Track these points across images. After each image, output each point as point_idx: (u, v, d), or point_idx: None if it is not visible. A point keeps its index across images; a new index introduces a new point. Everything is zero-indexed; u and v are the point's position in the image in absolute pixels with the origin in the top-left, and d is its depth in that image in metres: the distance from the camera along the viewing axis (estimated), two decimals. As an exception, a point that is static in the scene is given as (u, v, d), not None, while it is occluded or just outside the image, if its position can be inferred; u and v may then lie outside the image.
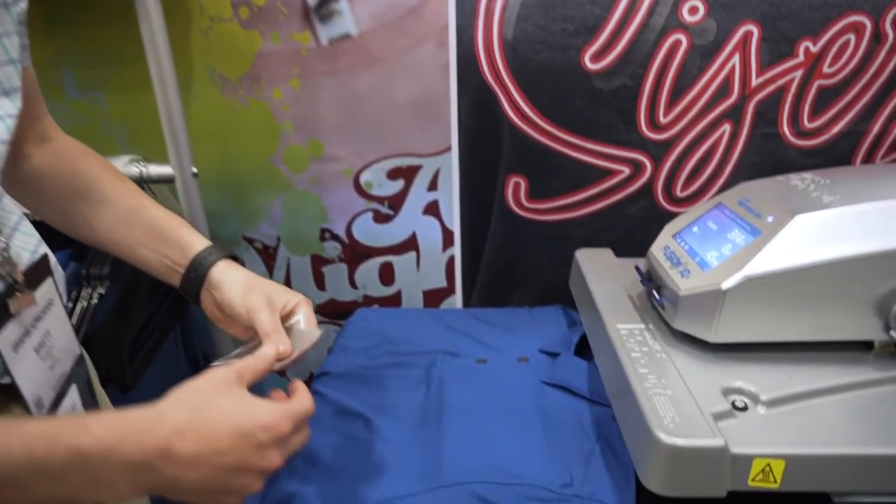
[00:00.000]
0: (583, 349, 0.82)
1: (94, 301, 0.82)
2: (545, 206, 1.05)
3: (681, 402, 0.56)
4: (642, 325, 0.69)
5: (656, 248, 0.74)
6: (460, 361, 0.80)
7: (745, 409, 0.57)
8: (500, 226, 1.08)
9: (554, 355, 0.80)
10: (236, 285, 0.59)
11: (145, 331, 0.91)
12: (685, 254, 0.69)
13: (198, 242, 0.62)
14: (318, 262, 1.19)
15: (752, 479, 0.52)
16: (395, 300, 1.20)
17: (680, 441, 0.51)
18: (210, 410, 0.46)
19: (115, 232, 0.62)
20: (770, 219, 0.63)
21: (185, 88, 1.00)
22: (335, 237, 1.16)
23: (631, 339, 0.66)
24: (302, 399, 0.52)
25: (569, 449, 0.64)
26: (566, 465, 0.62)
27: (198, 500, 0.46)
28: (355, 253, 1.17)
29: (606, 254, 0.91)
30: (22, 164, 0.61)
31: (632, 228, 1.05)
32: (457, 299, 1.16)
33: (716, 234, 0.68)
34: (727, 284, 0.60)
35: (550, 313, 0.94)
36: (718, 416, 0.55)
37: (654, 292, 0.69)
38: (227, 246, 0.63)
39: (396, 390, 0.76)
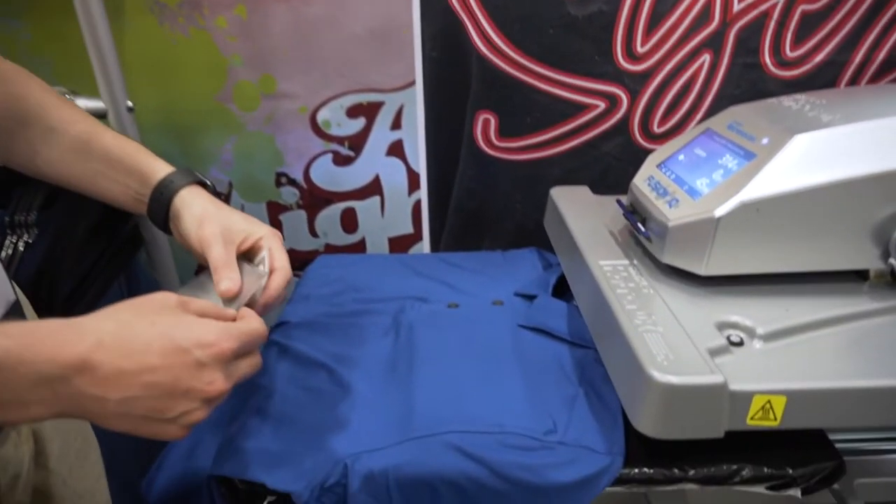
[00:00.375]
0: (560, 292, 0.77)
1: (21, 249, 0.73)
2: (516, 144, 0.99)
3: (673, 339, 0.51)
4: (626, 261, 0.64)
5: (639, 180, 0.69)
6: (430, 307, 0.75)
7: (740, 344, 0.53)
8: (469, 166, 1.02)
9: (530, 298, 0.75)
10: (193, 215, 0.54)
11: (84, 283, 0.82)
12: (672, 183, 0.64)
13: (160, 169, 0.56)
14: (275, 210, 1.11)
15: (752, 418, 0.48)
16: (358, 248, 1.14)
17: (675, 379, 0.47)
18: (140, 323, 0.40)
19: (69, 163, 0.56)
20: (765, 141, 0.58)
21: (116, 15, 0.90)
22: (292, 182, 1.08)
23: (615, 275, 0.62)
24: (249, 321, 0.46)
25: (550, 394, 0.60)
26: (548, 412, 0.57)
27: (132, 428, 0.40)
28: (314, 198, 1.09)
29: (583, 191, 0.86)
30: None
31: (607, 167, 1.00)
32: (424, 246, 1.10)
33: (705, 160, 0.63)
34: (720, 212, 0.55)
35: (525, 256, 0.89)
36: (714, 353, 0.50)
37: (640, 225, 0.64)
38: (193, 171, 0.57)
39: (362, 339, 0.70)
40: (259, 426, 0.58)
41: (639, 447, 0.54)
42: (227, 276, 0.50)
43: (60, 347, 0.37)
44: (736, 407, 0.48)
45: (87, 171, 0.57)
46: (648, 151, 0.95)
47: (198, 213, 0.54)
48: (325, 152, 1.06)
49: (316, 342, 0.69)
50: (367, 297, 0.78)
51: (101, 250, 0.89)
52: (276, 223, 1.12)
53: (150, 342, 0.40)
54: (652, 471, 0.53)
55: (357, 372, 0.64)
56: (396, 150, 1.05)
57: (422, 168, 1.05)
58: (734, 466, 0.53)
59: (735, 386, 0.47)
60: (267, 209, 1.11)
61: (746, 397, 0.48)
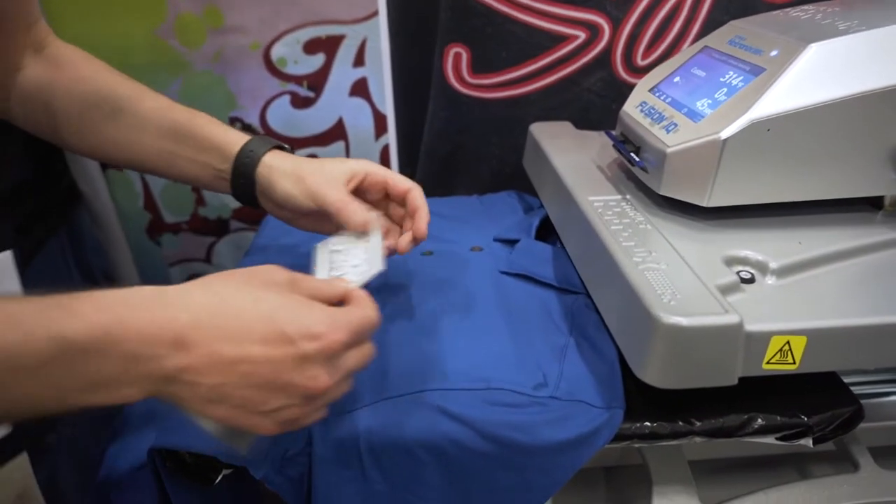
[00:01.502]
0: (543, 236, 0.70)
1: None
2: (491, 80, 0.91)
3: (679, 277, 0.45)
4: (618, 196, 0.58)
5: (630, 107, 0.62)
6: (402, 256, 0.68)
7: (751, 280, 0.47)
8: (440, 106, 0.94)
9: (511, 243, 0.68)
10: (287, 175, 0.53)
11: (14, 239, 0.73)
12: (668, 107, 0.57)
13: (235, 140, 0.54)
14: (230, 160, 1.02)
15: (768, 361, 0.43)
16: (323, 199, 1.06)
17: (685, 321, 0.41)
18: (242, 300, 0.37)
19: (142, 143, 0.55)
20: (774, 53, 0.52)
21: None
22: (248, 128, 0.99)
23: (607, 211, 0.55)
24: (363, 306, 0.41)
25: (538, 345, 0.54)
26: (537, 364, 0.51)
27: (222, 416, 0.36)
28: (273, 146, 1.00)
29: (565, 126, 0.79)
30: (16, 79, 0.54)
31: (588, 104, 0.93)
32: (394, 195, 1.02)
33: (705, 80, 0.57)
34: (727, 133, 0.49)
35: (503, 199, 0.82)
36: (724, 291, 0.45)
37: (633, 155, 0.57)
38: (268, 136, 0.56)
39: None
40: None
41: (637, 400, 0.48)
42: (354, 210, 0.51)
43: (154, 324, 0.34)
44: (751, 350, 0.42)
45: (162, 152, 0.55)
46: (632, 87, 0.88)
47: (291, 170, 0.53)
48: (282, 93, 0.96)
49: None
50: (332, 248, 0.71)
51: (31, 208, 0.79)
52: (231, 174, 1.03)
53: (251, 326, 0.36)
54: (655, 424, 0.47)
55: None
56: (360, 89, 0.96)
57: (389, 109, 0.96)
58: (745, 416, 0.48)
59: (751, 326, 0.42)
60: (221, 159, 1.01)
61: (763, 338, 0.42)
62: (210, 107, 0.96)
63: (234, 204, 1.05)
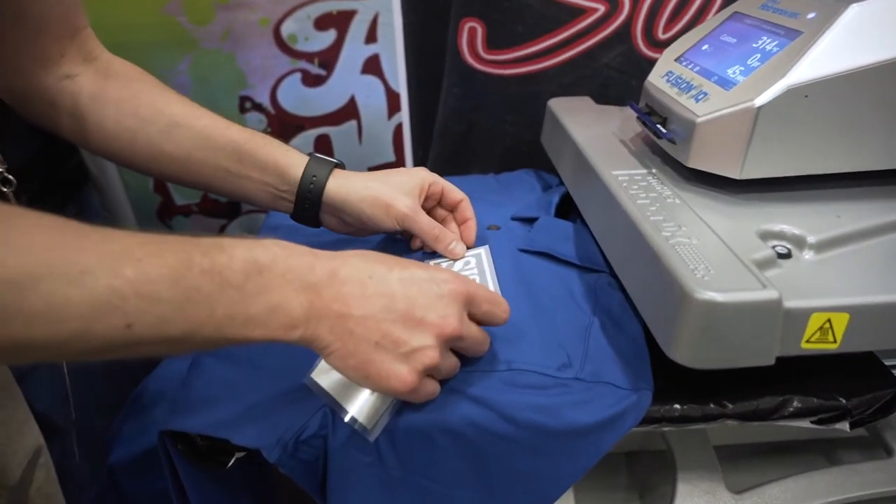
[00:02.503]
0: (562, 215, 0.68)
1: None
2: (507, 56, 0.89)
3: (711, 251, 0.43)
4: (644, 171, 0.56)
5: (655, 77, 0.59)
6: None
7: (788, 255, 0.45)
8: (454, 83, 0.91)
9: (530, 221, 0.66)
10: (364, 200, 0.56)
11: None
12: (697, 75, 0.54)
13: (294, 162, 0.56)
14: (240, 140, 1.00)
15: (808, 340, 0.41)
16: (335, 181, 1.04)
17: (721, 297, 0.38)
18: (376, 264, 0.42)
19: (198, 160, 0.55)
20: (811, 15, 0.49)
21: None
22: (258, 107, 0.97)
23: (633, 185, 0.53)
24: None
25: (561, 324, 0.51)
26: (560, 344, 0.49)
27: (363, 359, 0.39)
28: (284, 125, 0.98)
29: (585, 101, 0.76)
30: (67, 88, 0.53)
31: (607, 81, 0.90)
32: (407, 176, 1.00)
33: (736, 46, 0.54)
34: (761, 100, 0.46)
35: (521, 177, 0.80)
36: (760, 266, 0.42)
37: (659, 127, 0.54)
38: (324, 157, 0.57)
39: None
40: (221, 371, 0.49)
41: (665, 381, 0.46)
42: (450, 241, 0.58)
43: (316, 258, 0.39)
44: (790, 328, 0.40)
45: (219, 170, 0.55)
46: (652, 62, 0.85)
47: (365, 193, 0.56)
48: (292, 71, 0.94)
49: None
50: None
51: (38, 186, 0.78)
52: (242, 155, 1.01)
53: (387, 273, 0.41)
54: (685, 407, 0.45)
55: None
56: (373, 66, 0.93)
57: (402, 87, 0.94)
58: (780, 398, 0.45)
59: (790, 303, 0.39)
60: (231, 140, 1.00)
61: (803, 316, 0.40)
62: (219, 85, 0.95)
63: (245, 186, 1.04)
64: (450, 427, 0.44)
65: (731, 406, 0.45)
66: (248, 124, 0.98)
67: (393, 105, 0.96)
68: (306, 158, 0.56)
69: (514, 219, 0.68)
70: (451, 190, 0.60)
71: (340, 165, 0.58)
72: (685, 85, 0.54)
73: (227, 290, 0.35)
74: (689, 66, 0.57)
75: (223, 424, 0.44)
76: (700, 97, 0.51)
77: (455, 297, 0.41)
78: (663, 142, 0.55)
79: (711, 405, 0.45)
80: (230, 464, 0.47)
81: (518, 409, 0.44)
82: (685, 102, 0.52)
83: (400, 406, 0.44)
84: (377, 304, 0.39)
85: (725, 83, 0.51)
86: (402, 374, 0.39)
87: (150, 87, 0.56)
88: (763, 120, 0.47)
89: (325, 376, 0.44)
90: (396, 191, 0.56)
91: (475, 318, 0.44)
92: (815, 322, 0.40)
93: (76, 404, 0.77)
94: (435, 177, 0.59)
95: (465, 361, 0.47)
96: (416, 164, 0.99)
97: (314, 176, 0.55)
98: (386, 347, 0.39)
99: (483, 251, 0.60)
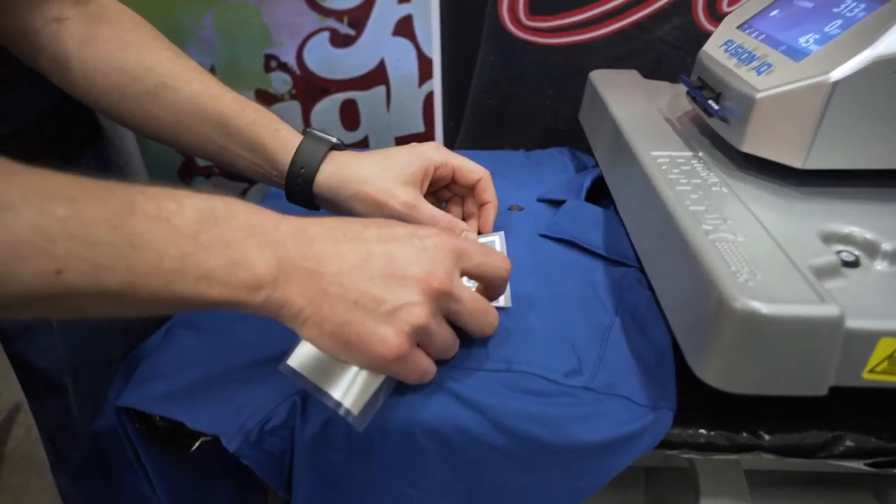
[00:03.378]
0: (594, 201, 0.61)
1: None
2: (550, 24, 0.81)
3: (760, 252, 0.36)
4: (689, 153, 0.48)
5: (712, 46, 0.51)
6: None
7: (856, 264, 0.37)
8: (491, 51, 0.84)
9: (557, 204, 0.59)
10: (353, 197, 0.50)
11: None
12: (762, 44, 0.46)
13: (283, 147, 0.50)
14: (265, 100, 0.95)
15: (872, 370, 0.33)
16: (360, 148, 0.98)
17: (766, 308, 0.31)
18: (352, 223, 0.38)
19: (187, 127, 0.50)
20: (910, -24, 0.40)
21: None
22: (283, 66, 0.91)
23: (673, 169, 0.45)
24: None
25: (577, 323, 0.45)
26: (572, 346, 0.43)
27: (343, 321, 0.33)
28: (310, 87, 0.93)
29: (632, 75, 0.68)
30: (54, 32, 0.49)
31: (660, 56, 0.81)
32: (436, 148, 0.94)
33: (812, 11, 0.46)
34: (839, 73, 0.38)
35: (554, 156, 0.73)
36: (819, 274, 0.35)
37: (711, 103, 0.47)
38: (318, 135, 0.52)
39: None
40: (187, 341, 0.45)
41: (692, 400, 0.39)
42: (460, 231, 0.51)
43: (282, 217, 0.35)
44: (850, 353, 0.33)
45: (208, 142, 0.51)
46: (714, 36, 0.76)
47: (356, 189, 0.49)
48: (320, 30, 0.88)
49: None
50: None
51: (52, 133, 0.75)
52: (265, 117, 0.96)
53: (363, 230, 0.37)
54: (712, 433, 0.38)
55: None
56: (405, 28, 0.87)
57: (435, 52, 0.87)
58: (829, 434, 0.38)
59: (854, 322, 0.32)
60: (256, 100, 0.95)
61: (869, 339, 0.32)
62: (244, 43, 0.90)
63: (268, 149, 0.99)
64: (435, 429, 0.39)
65: (767, 437, 0.38)
66: (273, 85, 0.93)
67: (424, 71, 0.90)
68: (298, 140, 0.50)
69: (540, 200, 0.62)
70: (466, 170, 0.53)
71: (338, 146, 0.52)
72: (746, 55, 0.46)
73: (176, 240, 0.31)
74: (754, 35, 0.48)
75: (179, 404, 0.40)
76: (763, 69, 0.43)
77: (440, 250, 0.37)
78: (714, 121, 0.47)
79: (744, 434, 0.38)
80: (194, 448, 0.42)
81: (514, 418, 0.38)
82: (744, 75, 0.44)
83: (391, 389, 0.38)
84: (352, 260, 0.35)
85: (795, 53, 0.42)
86: (387, 337, 0.33)
87: (143, 41, 0.51)
88: (839, 98, 0.39)
89: (302, 360, 0.38)
90: (394, 181, 0.49)
91: (471, 274, 0.39)
92: (883, 348, 0.32)
93: (89, 362, 0.74)
94: (444, 156, 0.53)
95: (459, 358, 0.41)
96: (447, 136, 0.93)
97: (302, 168, 0.50)
98: (366, 306, 0.34)
99: (498, 238, 0.53)
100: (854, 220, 0.39)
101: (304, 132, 0.52)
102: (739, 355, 0.33)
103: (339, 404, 0.36)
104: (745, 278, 0.33)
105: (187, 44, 0.91)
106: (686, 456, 0.39)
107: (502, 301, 0.46)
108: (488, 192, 0.54)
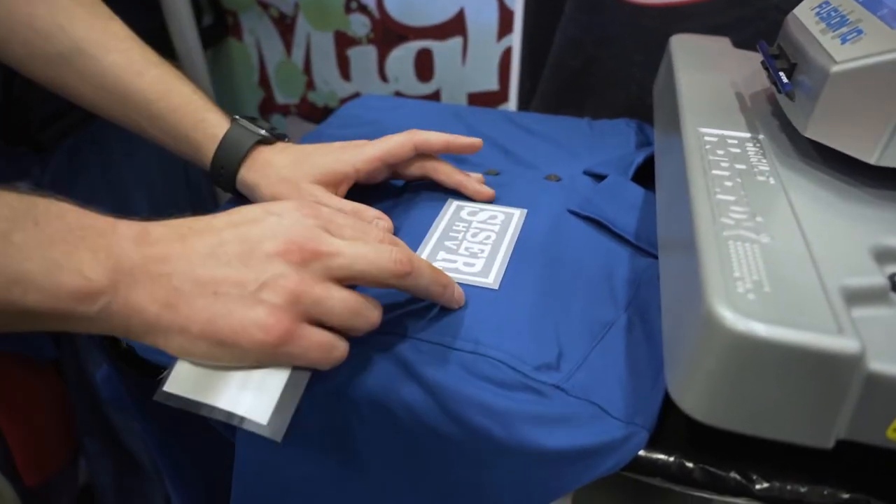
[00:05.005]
0: (646, 181, 0.53)
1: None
2: (648, -20, 0.72)
3: (784, 259, 0.28)
4: (747, 134, 0.40)
5: (803, 9, 0.42)
6: (461, 169, 0.55)
7: (912, 292, 0.29)
8: (577, 8, 0.77)
9: (602, 178, 0.53)
10: (279, 188, 0.45)
11: (58, 115, 0.69)
12: (860, 6, 0.37)
13: (205, 142, 0.46)
14: (344, 42, 0.93)
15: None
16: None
17: (763, 329, 0.25)
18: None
19: (105, 101, 0.47)
20: None
21: None
22: (363, 8, 0.89)
23: (718, 150, 0.38)
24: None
25: (574, 312, 0.39)
26: (558, 338, 0.37)
27: (208, 317, 0.30)
28: (387, 33, 0.90)
29: (720, 43, 0.59)
30: None
31: (773, 26, 0.69)
32: (510, 109, 0.88)
33: (934, -31, 0.36)
34: (941, 47, 0.29)
35: (618, 128, 0.65)
36: (853, 298, 0.27)
37: (781, 75, 0.38)
38: (244, 125, 0.47)
39: (360, 197, 0.53)
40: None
41: (678, 424, 0.33)
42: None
43: (119, 219, 0.31)
44: (870, 403, 0.25)
45: (128, 120, 0.47)
46: (843, 8, 0.65)
47: (285, 187, 0.45)
48: (402, -28, 0.84)
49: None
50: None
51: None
52: (343, 59, 0.94)
53: (210, 220, 0.32)
54: (693, 467, 0.32)
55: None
56: (488, -26, 0.81)
57: (517, 4, 0.81)
58: (843, 496, 0.30)
59: (879, 364, 0.24)
60: (335, 40, 0.93)
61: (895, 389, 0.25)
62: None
63: (343, 93, 0.98)
64: (378, 399, 0.35)
65: (760, 485, 0.31)
66: (352, 28, 0.91)
67: (505, 25, 0.84)
68: (222, 132, 0.46)
69: (586, 173, 0.55)
70: (397, 146, 0.48)
71: (267, 139, 0.47)
72: (838, 20, 0.37)
73: (25, 224, 0.28)
74: (855, -3, 0.39)
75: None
76: (850, 36, 0.35)
77: (298, 216, 0.32)
78: (782, 97, 0.39)
79: (733, 474, 0.31)
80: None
81: (467, 407, 0.34)
82: (827, 43, 0.36)
83: (305, 384, 0.33)
84: (202, 251, 0.31)
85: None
86: (260, 318, 0.29)
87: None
88: (934, 78, 0.30)
89: (181, 380, 0.32)
90: (304, 179, 0.45)
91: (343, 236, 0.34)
92: (917, 404, 0.25)
93: (70, 338, 0.75)
94: (368, 153, 0.47)
95: (421, 329, 0.37)
96: (522, 97, 0.87)
97: (222, 167, 0.46)
98: (228, 294, 0.30)
99: (518, 213, 0.48)
100: (927, 236, 0.31)
101: (231, 121, 0.47)
102: (724, 383, 0.26)
103: (242, 419, 0.30)
104: (746, 289, 0.26)
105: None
106: (663, 487, 0.33)
107: (491, 279, 0.41)
108: (433, 139, 0.49)
